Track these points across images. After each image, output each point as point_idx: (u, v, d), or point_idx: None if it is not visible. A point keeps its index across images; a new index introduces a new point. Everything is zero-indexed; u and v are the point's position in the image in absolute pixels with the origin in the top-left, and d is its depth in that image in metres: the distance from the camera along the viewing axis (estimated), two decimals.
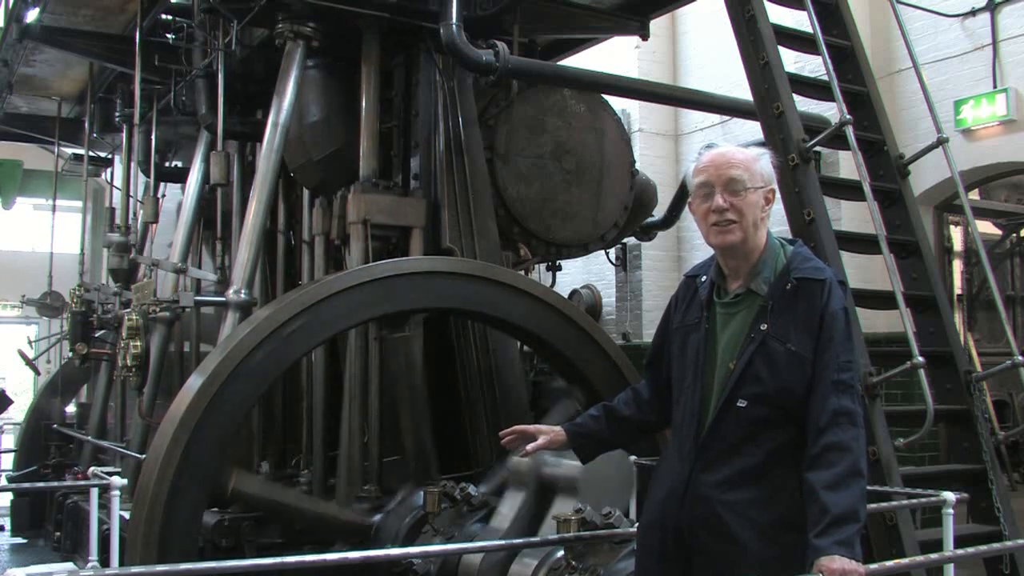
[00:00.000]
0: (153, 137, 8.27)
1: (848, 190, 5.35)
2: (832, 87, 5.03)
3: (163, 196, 9.52)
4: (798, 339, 2.70)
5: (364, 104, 6.38)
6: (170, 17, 7.42)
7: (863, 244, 5.18)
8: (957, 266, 10.85)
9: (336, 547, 5.36)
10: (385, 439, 5.91)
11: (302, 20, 6.21)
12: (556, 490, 4.49)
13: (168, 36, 7.33)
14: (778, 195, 2.97)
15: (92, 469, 5.46)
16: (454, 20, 5.87)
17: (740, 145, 2.92)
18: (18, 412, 13.21)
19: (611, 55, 10.25)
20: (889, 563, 3.11)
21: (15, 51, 8.53)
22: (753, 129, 5.82)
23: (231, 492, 5.26)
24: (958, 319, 9.98)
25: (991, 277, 5.60)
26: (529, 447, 3.17)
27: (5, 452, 11.71)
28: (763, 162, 2.83)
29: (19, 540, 9.82)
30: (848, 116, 4.91)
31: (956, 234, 10.67)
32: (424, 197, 6.27)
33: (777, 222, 2.94)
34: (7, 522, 10.21)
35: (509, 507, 4.66)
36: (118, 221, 9.43)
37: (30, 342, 12.84)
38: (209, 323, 7.63)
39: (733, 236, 2.77)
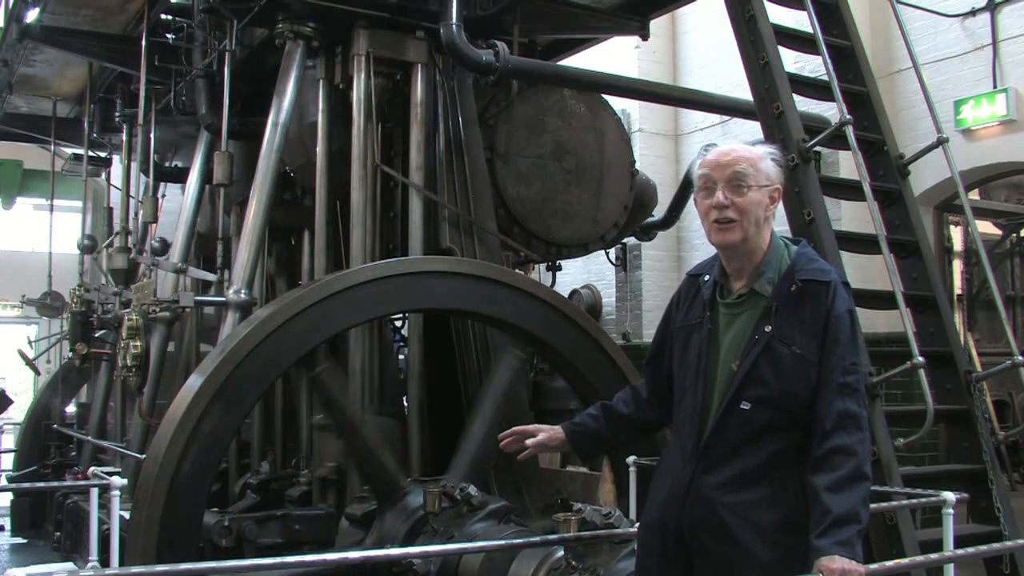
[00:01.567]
0: (152, 136, 8.25)
1: (848, 190, 5.35)
2: (832, 87, 5.03)
3: (163, 196, 9.51)
4: (803, 342, 2.68)
5: None
6: (170, 17, 7.43)
7: (863, 244, 5.18)
8: (957, 266, 10.86)
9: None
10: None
11: (302, 20, 6.21)
12: None
13: (168, 36, 7.34)
14: None
15: (92, 469, 5.45)
16: (454, 20, 5.88)
17: (747, 142, 2.87)
18: (18, 412, 13.20)
19: (611, 55, 10.26)
20: (889, 563, 3.10)
21: (15, 51, 8.53)
22: (753, 129, 5.81)
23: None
24: (958, 319, 9.99)
25: (991, 277, 5.60)
26: (528, 442, 3.17)
27: (5, 452, 11.71)
28: (769, 160, 2.79)
29: (19, 540, 9.81)
30: (848, 116, 4.91)
31: (956, 234, 10.68)
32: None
33: (777, 222, 2.92)
34: (7, 522, 10.20)
35: None
36: (118, 221, 9.42)
37: (30, 342, 12.85)
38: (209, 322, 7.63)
39: (733, 235, 2.75)
